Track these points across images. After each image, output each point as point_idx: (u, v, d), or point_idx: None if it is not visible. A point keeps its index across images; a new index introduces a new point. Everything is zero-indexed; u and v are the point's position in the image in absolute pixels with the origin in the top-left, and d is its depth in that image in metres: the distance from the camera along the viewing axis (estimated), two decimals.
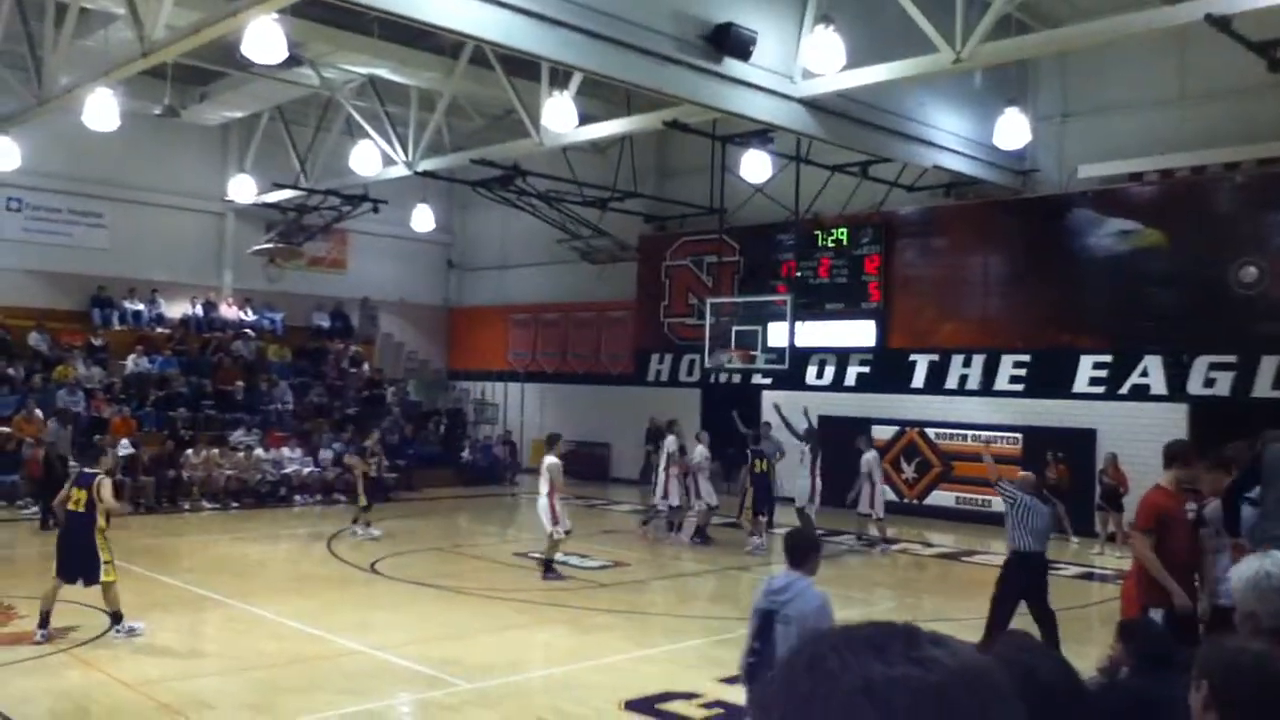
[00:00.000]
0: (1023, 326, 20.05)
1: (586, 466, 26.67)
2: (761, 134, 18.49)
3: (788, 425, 17.63)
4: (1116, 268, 18.85)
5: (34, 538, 16.71)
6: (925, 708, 0.83)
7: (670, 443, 17.52)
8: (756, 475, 17.00)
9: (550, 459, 13.97)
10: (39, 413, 19.97)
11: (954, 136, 18.53)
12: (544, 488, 13.85)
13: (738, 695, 8.55)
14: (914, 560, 16.74)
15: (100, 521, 10.11)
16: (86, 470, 10.51)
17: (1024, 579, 9.47)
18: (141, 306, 25.50)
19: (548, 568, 13.86)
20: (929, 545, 18.12)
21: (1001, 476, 10.73)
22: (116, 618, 10.21)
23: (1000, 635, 5.05)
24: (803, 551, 5.82)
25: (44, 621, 9.86)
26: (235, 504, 20.60)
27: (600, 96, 18.59)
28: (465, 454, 26.47)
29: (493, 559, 15.76)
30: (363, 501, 17.35)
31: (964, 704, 0.85)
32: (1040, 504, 9.82)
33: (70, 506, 10.19)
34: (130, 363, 23.49)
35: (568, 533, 13.98)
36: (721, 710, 8.35)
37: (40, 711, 7.88)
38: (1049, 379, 19.59)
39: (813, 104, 15.32)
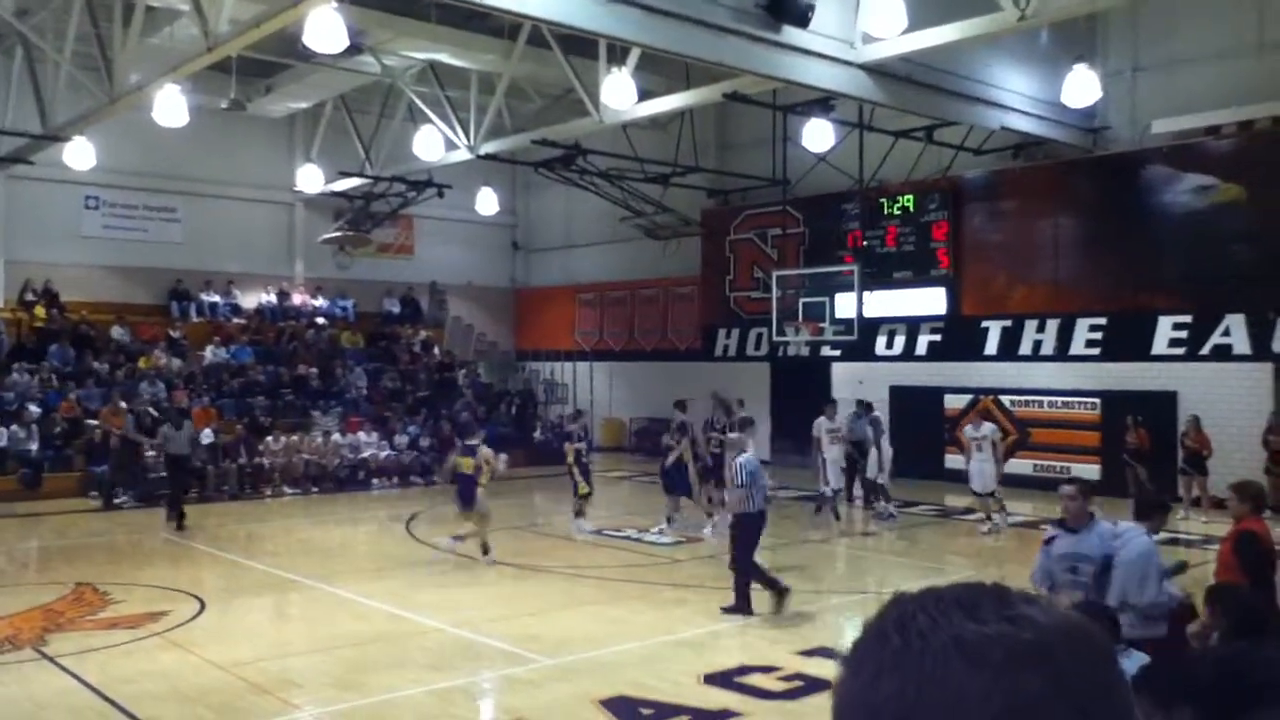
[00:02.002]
0: (1098, 289, 19.60)
1: (657, 443, 26.74)
2: (823, 102, 18.27)
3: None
4: (1194, 225, 18.31)
5: (121, 528, 17.25)
6: (1020, 665, 0.82)
7: (819, 424, 16.58)
8: (714, 456, 15.89)
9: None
10: (123, 404, 20.52)
11: (1021, 96, 18.13)
12: None
13: (817, 668, 8.55)
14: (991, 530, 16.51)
15: (483, 480, 13.21)
16: (469, 443, 13.85)
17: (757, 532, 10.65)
18: (217, 298, 26.06)
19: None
20: (1007, 514, 17.85)
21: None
22: (485, 549, 13.31)
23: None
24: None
25: (485, 550, 13.29)
26: (315, 489, 21.00)
27: (659, 72, 18.50)
28: (537, 434, 26.68)
29: (568, 537, 15.87)
30: (583, 489, 15.84)
31: (1061, 662, 0.83)
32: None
33: (462, 471, 13.34)
34: (208, 353, 24.05)
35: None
36: (801, 683, 8.34)
37: (137, 692, 8.13)
38: (1127, 341, 19.14)
39: (874, 69, 15.08)
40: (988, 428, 16.22)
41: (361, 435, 22.56)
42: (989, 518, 15.99)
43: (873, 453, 17.07)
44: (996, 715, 0.80)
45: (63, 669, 8.77)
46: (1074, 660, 0.84)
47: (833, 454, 16.38)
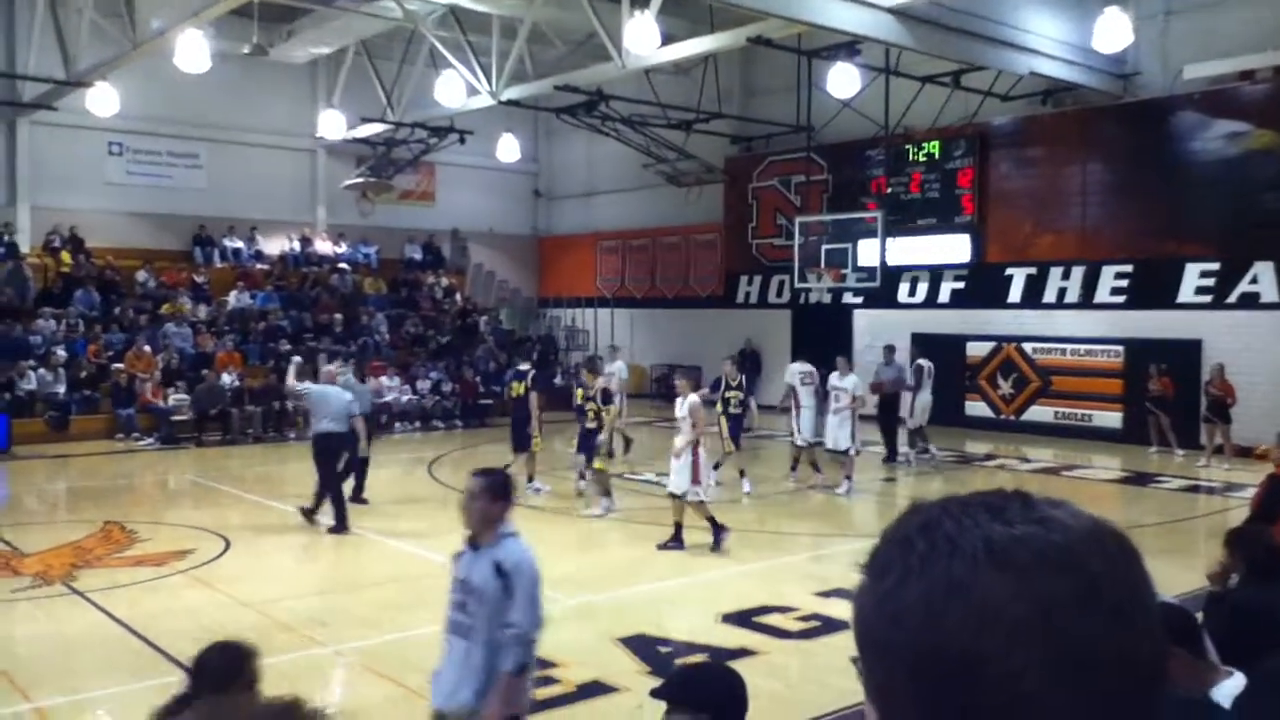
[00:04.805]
0: (1125, 236, 19.39)
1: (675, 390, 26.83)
2: (849, 46, 18.05)
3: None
4: (1225, 172, 18.04)
5: (147, 470, 17.50)
6: (1048, 567, 0.81)
7: (791, 372, 15.36)
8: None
9: (693, 397, 11.31)
10: (148, 348, 20.74)
11: (1051, 41, 17.84)
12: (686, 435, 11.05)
13: (835, 609, 8.61)
14: (1013, 476, 16.51)
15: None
16: (520, 368, 14.71)
17: (326, 454, 11.90)
18: (240, 244, 26.17)
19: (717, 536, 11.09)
20: (1026, 461, 17.87)
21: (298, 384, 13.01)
22: (530, 478, 13.93)
23: None
24: None
25: (531, 478, 13.98)
26: None
27: (682, 15, 18.30)
28: (558, 380, 26.75)
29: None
30: (728, 448, 14.33)
31: (1091, 563, 0.82)
32: (338, 391, 12.22)
33: (512, 395, 14.41)
34: (232, 299, 24.19)
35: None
36: (818, 623, 8.41)
37: (165, 628, 8.28)
38: (1152, 289, 18.97)
39: (902, 12, 14.89)
40: (851, 380, 14.72)
41: (384, 380, 22.67)
42: (848, 477, 14.61)
43: (915, 398, 16.95)
44: (1025, 617, 0.79)
45: (92, 604, 8.95)
46: (1102, 562, 0.83)
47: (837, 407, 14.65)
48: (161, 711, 3.61)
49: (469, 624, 4.64)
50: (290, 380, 13.62)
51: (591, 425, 13.26)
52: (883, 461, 17.06)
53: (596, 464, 13.09)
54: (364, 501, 13.37)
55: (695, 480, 10.89)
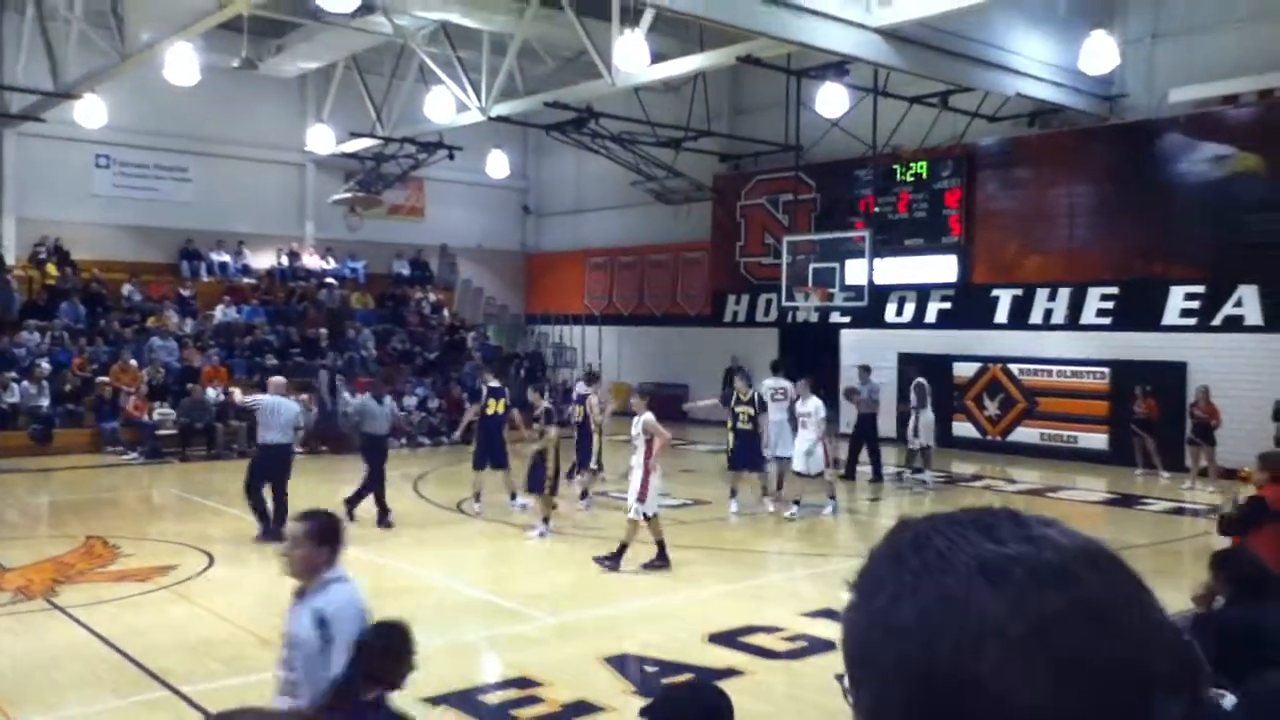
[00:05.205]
0: (1111, 258, 19.50)
1: (664, 407, 26.81)
2: (838, 66, 18.15)
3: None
4: (1210, 195, 18.17)
5: (130, 484, 17.38)
6: (1046, 584, 0.80)
7: (765, 387, 15.10)
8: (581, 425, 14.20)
9: (648, 415, 11.12)
10: (133, 362, 20.62)
11: (1038, 63, 17.96)
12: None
13: (821, 629, 8.60)
14: (999, 497, 16.53)
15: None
16: (493, 385, 14.52)
17: (273, 465, 12.24)
18: (228, 258, 26.10)
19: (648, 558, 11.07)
20: (1012, 482, 17.90)
21: (247, 397, 13.32)
22: (513, 495, 14.07)
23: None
24: None
25: (514, 495, 14.14)
26: (324, 448, 21.06)
27: (672, 34, 18.36)
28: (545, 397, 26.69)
29: (574, 498, 15.91)
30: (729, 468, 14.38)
31: (1085, 581, 0.81)
32: (288, 403, 12.41)
33: (489, 412, 14.14)
34: (219, 313, 24.10)
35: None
36: (805, 643, 8.39)
37: (147, 644, 8.21)
38: (1138, 311, 19.07)
39: (890, 33, 14.96)
40: (814, 403, 13.96)
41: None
42: (832, 497, 14.47)
43: (919, 418, 16.94)
44: (1021, 636, 0.78)
45: (74, 620, 8.86)
46: (1097, 579, 0.82)
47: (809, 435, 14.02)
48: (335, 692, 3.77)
49: (295, 680, 4.21)
50: (238, 396, 14.09)
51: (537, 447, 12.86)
52: (869, 482, 17.10)
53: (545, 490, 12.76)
54: (350, 519, 13.27)
55: (641, 498, 10.82)
